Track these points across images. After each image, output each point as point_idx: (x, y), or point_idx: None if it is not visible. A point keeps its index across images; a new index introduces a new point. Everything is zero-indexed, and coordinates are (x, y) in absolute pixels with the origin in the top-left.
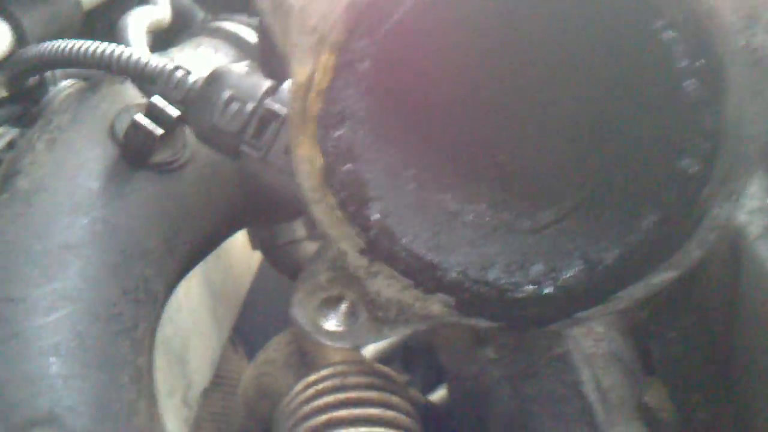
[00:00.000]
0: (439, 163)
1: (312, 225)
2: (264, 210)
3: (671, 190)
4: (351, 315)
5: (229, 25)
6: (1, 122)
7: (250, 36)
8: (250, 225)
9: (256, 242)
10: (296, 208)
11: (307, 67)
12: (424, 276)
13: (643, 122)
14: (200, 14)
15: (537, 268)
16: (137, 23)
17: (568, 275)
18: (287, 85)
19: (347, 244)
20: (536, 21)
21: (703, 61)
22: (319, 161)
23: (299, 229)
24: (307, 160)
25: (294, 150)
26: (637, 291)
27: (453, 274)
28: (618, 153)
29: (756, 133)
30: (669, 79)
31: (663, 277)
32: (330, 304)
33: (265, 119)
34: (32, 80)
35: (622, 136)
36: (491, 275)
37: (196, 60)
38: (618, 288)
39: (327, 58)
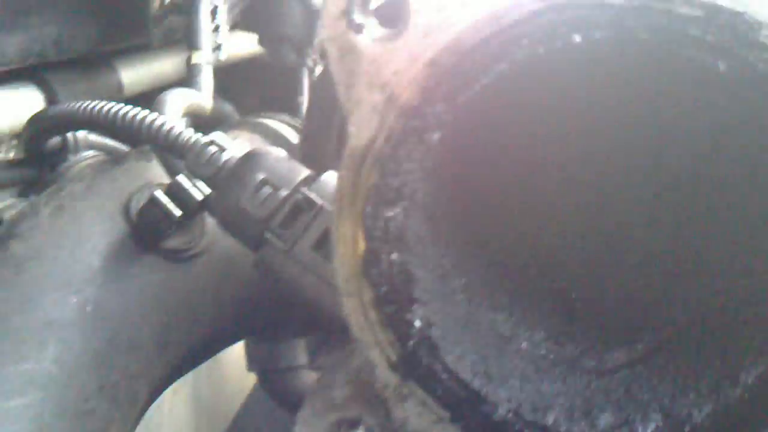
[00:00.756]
0: (494, 277)
1: (314, 353)
2: (274, 318)
3: None
4: None
5: (270, 122)
6: (9, 183)
7: (291, 135)
8: (254, 334)
9: (253, 363)
10: (310, 320)
11: (370, 129)
12: (466, 408)
13: (753, 248)
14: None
15: (606, 419)
16: (176, 99)
17: (645, 431)
18: (327, 176)
19: (378, 353)
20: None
21: None
22: (362, 245)
23: (301, 355)
24: (347, 242)
25: (335, 228)
26: None
27: (502, 411)
28: (717, 287)
29: None
30: None
31: None
32: (343, 429)
33: (298, 208)
34: (52, 144)
35: (725, 266)
36: (549, 418)
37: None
38: None
39: (395, 122)
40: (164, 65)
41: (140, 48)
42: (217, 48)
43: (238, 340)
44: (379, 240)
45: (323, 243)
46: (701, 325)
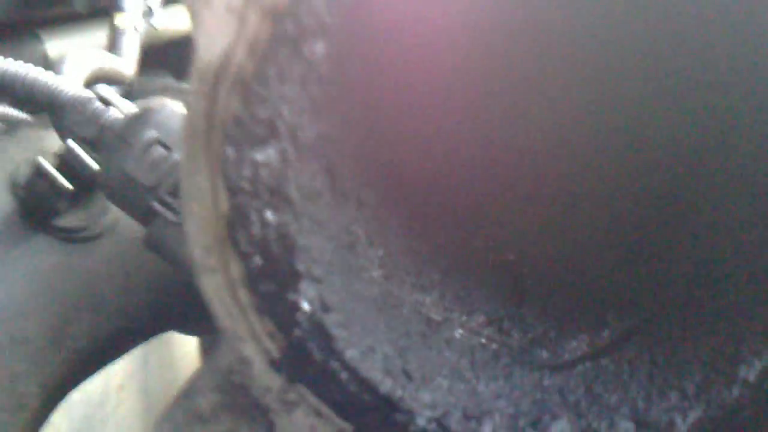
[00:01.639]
0: (421, 248)
1: None
2: (194, 302)
3: None
4: None
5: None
6: None
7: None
8: (178, 327)
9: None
10: None
11: (224, 36)
12: (374, 418)
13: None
14: None
15: (560, 427)
16: (78, 59)
17: None
18: None
19: (253, 348)
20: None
21: None
22: (224, 202)
23: None
24: (204, 197)
25: (185, 179)
26: None
27: (422, 421)
28: (707, 251)
29: None
30: None
31: None
32: None
33: None
34: None
35: (720, 218)
36: (485, 429)
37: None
38: None
39: (259, 26)
40: (94, 35)
41: (68, 17)
42: (149, 13)
43: (159, 333)
44: (246, 194)
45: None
46: (686, 304)
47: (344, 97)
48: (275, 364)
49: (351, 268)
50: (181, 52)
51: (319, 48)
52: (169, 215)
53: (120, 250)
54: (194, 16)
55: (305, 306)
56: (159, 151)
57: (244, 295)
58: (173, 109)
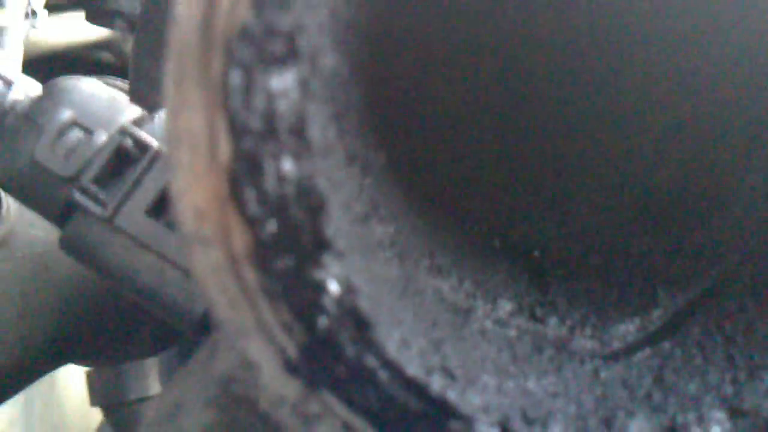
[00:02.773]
0: (431, 225)
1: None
2: (109, 332)
3: None
4: None
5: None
6: None
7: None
8: (84, 357)
9: (96, 396)
10: (157, 323)
11: None
12: (422, 430)
13: None
14: None
15: (638, 426)
16: None
17: None
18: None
19: (263, 346)
20: None
21: None
22: (226, 146)
23: (153, 383)
24: (198, 142)
25: (173, 117)
26: None
27: (483, 430)
28: None
29: None
30: None
31: None
32: None
33: (124, 156)
34: None
35: None
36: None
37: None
38: None
39: None
40: None
41: None
42: (33, 15)
43: (62, 364)
44: (258, 135)
45: (163, 205)
46: (756, 267)
47: (364, 26)
48: (292, 366)
49: (368, 244)
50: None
51: None
52: (96, 208)
53: (17, 266)
54: None
55: (333, 287)
56: (76, 134)
57: (251, 274)
58: (91, 86)
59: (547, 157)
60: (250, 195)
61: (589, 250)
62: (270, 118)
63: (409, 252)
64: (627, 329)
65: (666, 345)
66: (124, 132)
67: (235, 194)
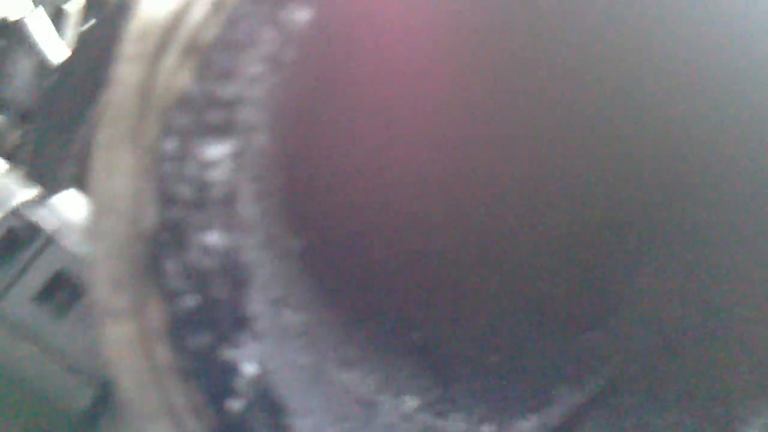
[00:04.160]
0: (338, 317)
1: None
2: None
3: None
4: None
5: None
6: None
7: None
8: None
9: None
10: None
11: None
12: None
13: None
14: None
15: None
16: None
17: None
18: (61, 198)
19: (171, 430)
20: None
21: None
22: (151, 213)
23: None
24: (122, 206)
25: (99, 180)
26: None
27: None
28: (688, 275)
29: None
30: None
31: None
32: None
33: (12, 239)
34: None
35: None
36: None
37: None
38: None
39: None
40: None
41: None
42: None
43: None
44: (186, 204)
45: (51, 293)
46: (652, 368)
47: (300, 109)
48: None
49: (281, 330)
50: None
51: (303, 15)
52: None
53: None
54: None
55: (248, 368)
56: None
57: (163, 352)
58: None
59: (448, 263)
60: (172, 267)
61: (488, 350)
62: (201, 188)
63: (319, 342)
64: (527, 426)
65: None
66: (15, 214)
67: (157, 265)
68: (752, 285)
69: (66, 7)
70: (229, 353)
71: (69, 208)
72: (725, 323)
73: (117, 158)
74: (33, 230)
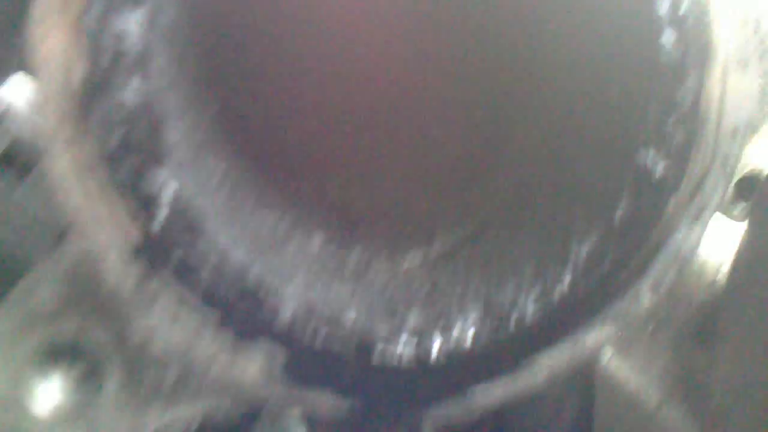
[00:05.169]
0: (259, 169)
1: None
2: None
3: (623, 199)
4: (90, 378)
5: None
6: None
7: None
8: None
9: None
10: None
11: None
12: (242, 304)
13: (595, 94)
14: None
15: (416, 315)
16: None
17: (464, 324)
18: (16, 79)
19: (111, 232)
20: None
21: (684, 8)
22: (80, 67)
23: None
24: (57, 63)
25: (36, 40)
26: (559, 356)
27: (291, 306)
28: (536, 150)
29: (739, 122)
30: (643, 32)
31: (599, 334)
32: (55, 353)
33: None
34: None
35: (558, 118)
36: (348, 315)
37: None
38: (534, 349)
39: None
40: None
41: None
42: None
43: None
44: (109, 60)
45: (9, 161)
46: (510, 211)
47: None
48: (136, 251)
49: (199, 168)
50: None
51: None
52: None
53: None
54: None
55: (172, 183)
56: None
57: (102, 173)
58: None
59: (360, 129)
60: (100, 110)
61: (386, 201)
62: (119, 45)
63: (239, 186)
64: (414, 255)
65: (441, 263)
66: None
67: (88, 108)
68: (585, 149)
69: None
70: (151, 175)
71: (16, 90)
72: (566, 177)
73: (48, 21)
74: None
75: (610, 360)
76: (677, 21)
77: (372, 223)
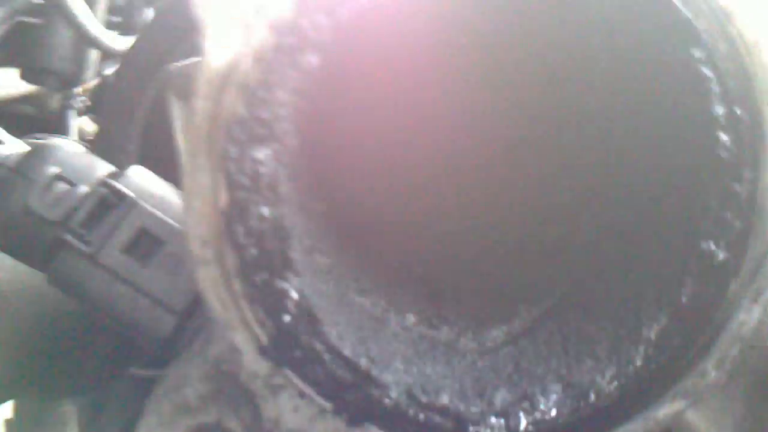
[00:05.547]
0: (357, 259)
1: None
2: (54, 361)
3: (688, 283)
4: None
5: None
6: None
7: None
8: (29, 391)
9: None
10: (100, 359)
11: (231, 46)
12: (352, 395)
13: (660, 185)
14: None
15: (502, 396)
16: None
17: (547, 405)
18: (134, 171)
19: (245, 335)
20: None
21: (740, 110)
22: (224, 197)
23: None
24: (205, 194)
25: (188, 177)
26: (633, 430)
27: (395, 394)
28: (611, 238)
29: None
30: (701, 131)
31: (669, 409)
32: None
33: (104, 204)
34: None
35: (626, 206)
36: (443, 399)
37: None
38: (609, 425)
39: (263, 37)
40: None
41: None
42: None
43: (10, 398)
44: (246, 189)
45: (136, 245)
46: (584, 289)
47: (319, 115)
48: (264, 350)
49: (314, 269)
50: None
51: (314, 60)
52: (83, 247)
53: None
54: (204, 26)
55: (293, 294)
56: (61, 186)
57: (237, 285)
58: (71, 146)
59: (443, 215)
60: (239, 230)
61: (471, 278)
62: (255, 177)
63: (342, 277)
64: (497, 333)
65: (523, 342)
66: (104, 184)
67: (229, 229)
68: (653, 235)
69: None
70: (279, 285)
71: (140, 179)
72: (636, 261)
73: (198, 162)
74: (119, 196)
75: (685, 411)
76: (733, 121)
77: (458, 300)
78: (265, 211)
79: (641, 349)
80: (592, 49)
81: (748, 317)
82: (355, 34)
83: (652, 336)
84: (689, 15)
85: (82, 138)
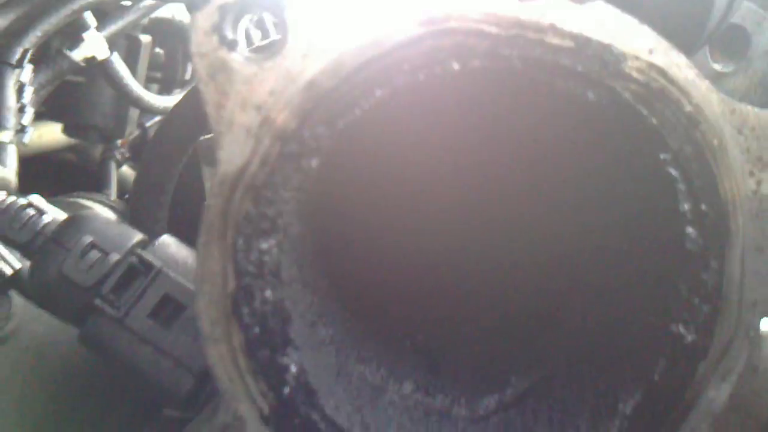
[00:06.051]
0: (358, 330)
1: None
2: (86, 412)
3: (660, 363)
4: None
5: (84, 201)
6: None
7: (107, 213)
8: None
9: None
10: (152, 400)
11: (243, 153)
12: None
13: (635, 273)
14: None
15: None
16: None
17: None
18: (163, 240)
19: (248, 406)
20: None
21: (705, 206)
22: (232, 282)
23: None
24: (215, 279)
25: (200, 264)
26: None
27: None
28: (592, 318)
29: (758, 296)
30: (670, 225)
31: None
32: None
33: (132, 272)
34: None
35: (605, 291)
36: None
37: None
38: None
39: (270, 146)
40: None
41: None
42: (22, 130)
43: None
44: (251, 276)
45: (161, 310)
46: (569, 365)
47: (320, 204)
48: (266, 420)
49: (315, 341)
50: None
51: (314, 163)
52: (112, 311)
53: (21, 357)
54: (217, 137)
55: (293, 368)
56: (95, 254)
57: (243, 360)
58: (105, 217)
59: (439, 291)
60: (245, 311)
61: (468, 349)
62: (260, 266)
63: (343, 346)
64: (489, 402)
65: (511, 412)
66: (133, 253)
67: (236, 311)
68: (628, 318)
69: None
70: (280, 360)
71: (168, 248)
72: (614, 341)
73: (210, 251)
74: (146, 265)
75: None
76: (699, 216)
77: (455, 369)
78: (269, 294)
79: (617, 422)
80: (576, 148)
81: (717, 394)
82: (351, 139)
83: (628, 411)
84: (655, 122)
85: (123, 187)
